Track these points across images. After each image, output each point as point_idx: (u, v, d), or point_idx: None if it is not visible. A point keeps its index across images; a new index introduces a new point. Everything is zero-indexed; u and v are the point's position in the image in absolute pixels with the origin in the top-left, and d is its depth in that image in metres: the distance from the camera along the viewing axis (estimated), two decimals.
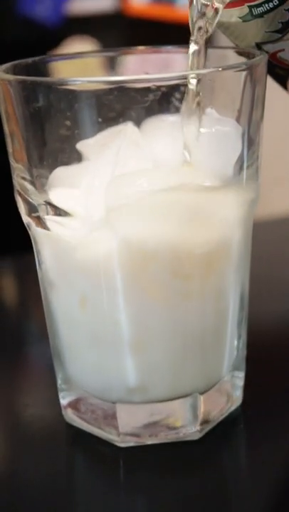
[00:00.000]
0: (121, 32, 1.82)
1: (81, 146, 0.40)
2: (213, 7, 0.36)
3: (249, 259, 0.44)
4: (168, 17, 1.74)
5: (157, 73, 0.46)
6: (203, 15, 0.36)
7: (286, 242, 0.72)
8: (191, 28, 0.37)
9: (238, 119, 0.39)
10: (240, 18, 0.37)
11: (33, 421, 0.45)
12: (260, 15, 0.36)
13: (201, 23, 0.37)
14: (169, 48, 0.46)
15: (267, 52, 0.39)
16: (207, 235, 0.39)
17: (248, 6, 0.36)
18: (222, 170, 0.39)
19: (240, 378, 0.45)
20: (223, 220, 0.39)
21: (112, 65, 0.45)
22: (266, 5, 0.35)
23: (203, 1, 0.36)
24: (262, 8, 0.36)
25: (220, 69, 0.37)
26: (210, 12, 0.36)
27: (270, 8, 0.36)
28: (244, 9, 0.36)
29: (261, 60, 0.38)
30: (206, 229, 0.38)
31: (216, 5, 0.36)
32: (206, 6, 0.36)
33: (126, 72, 0.47)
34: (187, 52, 0.43)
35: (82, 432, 0.43)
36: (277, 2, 0.35)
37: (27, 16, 1.50)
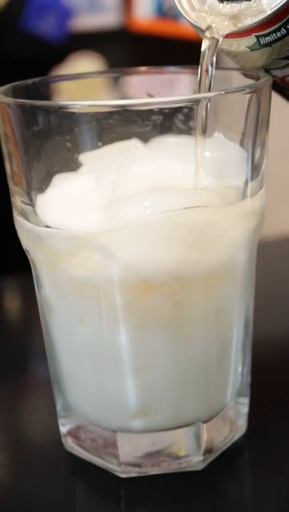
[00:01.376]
0: (125, 48, 1.82)
1: (84, 158, 0.39)
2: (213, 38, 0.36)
3: (253, 284, 0.43)
4: (172, 33, 1.74)
5: (160, 94, 0.45)
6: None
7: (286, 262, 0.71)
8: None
9: (242, 142, 0.39)
10: (247, 47, 0.36)
11: (33, 449, 0.44)
12: (268, 44, 0.35)
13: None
14: (171, 68, 0.45)
15: (275, 76, 0.39)
16: (210, 260, 0.38)
17: (256, 36, 0.35)
18: (226, 194, 0.38)
19: (244, 405, 0.44)
20: (226, 245, 0.38)
21: (113, 86, 0.45)
22: (274, 35, 0.35)
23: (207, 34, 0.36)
24: (270, 37, 0.35)
25: (224, 92, 0.36)
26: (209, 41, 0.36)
27: (278, 38, 0.35)
28: (251, 39, 0.36)
29: (266, 82, 0.38)
30: (209, 254, 0.37)
31: (216, 36, 0.36)
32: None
33: (128, 92, 0.46)
34: (190, 73, 0.43)
35: (82, 461, 0.42)
36: (285, 31, 0.35)
37: (32, 33, 1.50)
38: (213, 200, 0.37)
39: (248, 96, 0.37)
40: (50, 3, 1.54)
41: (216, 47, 0.36)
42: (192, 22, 0.37)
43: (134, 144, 0.40)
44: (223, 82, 0.42)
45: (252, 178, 0.39)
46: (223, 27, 0.36)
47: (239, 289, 0.40)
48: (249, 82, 0.39)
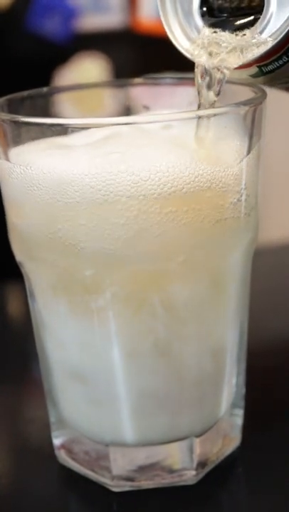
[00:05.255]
0: (130, 48, 1.82)
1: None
2: (219, 72, 0.36)
3: (248, 296, 0.43)
4: None
5: (157, 104, 0.45)
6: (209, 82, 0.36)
7: (283, 270, 0.71)
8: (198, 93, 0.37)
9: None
10: (250, 76, 0.36)
11: (27, 461, 0.44)
12: (271, 71, 0.35)
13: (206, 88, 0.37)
14: (170, 80, 0.45)
15: (279, 87, 0.38)
16: (202, 276, 0.38)
17: (258, 66, 0.35)
18: (220, 206, 0.38)
19: (239, 416, 0.44)
20: (219, 261, 0.38)
21: (108, 97, 0.45)
22: (276, 63, 0.35)
23: (207, 68, 0.36)
24: (272, 66, 0.35)
25: (219, 109, 0.36)
26: (216, 76, 0.36)
27: (280, 65, 0.35)
28: (253, 69, 0.36)
29: (261, 98, 0.37)
30: (201, 270, 0.37)
31: (223, 71, 0.36)
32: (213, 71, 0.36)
33: (126, 101, 0.46)
34: (189, 85, 0.43)
35: (75, 474, 0.42)
36: (287, 59, 0.34)
37: (36, 33, 1.50)
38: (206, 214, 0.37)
39: (243, 112, 0.37)
40: (54, 3, 1.54)
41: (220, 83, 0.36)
42: (188, 56, 0.37)
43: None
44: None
45: (246, 193, 0.39)
46: (225, 64, 0.36)
47: (233, 303, 0.40)
48: (244, 94, 0.39)
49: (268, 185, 0.40)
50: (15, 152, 0.37)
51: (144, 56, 1.81)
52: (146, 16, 1.86)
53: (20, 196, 0.37)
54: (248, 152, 0.38)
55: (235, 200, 0.38)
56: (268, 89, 0.39)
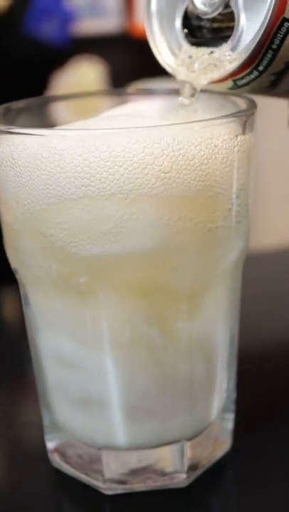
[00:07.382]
0: (126, 52, 1.82)
1: None
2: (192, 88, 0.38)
3: (238, 302, 0.43)
4: None
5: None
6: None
7: (276, 276, 0.72)
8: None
9: None
10: (227, 88, 0.38)
11: (20, 464, 0.45)
12: (246, 84, 0.37)
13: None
14: (162, 89, 0.46)
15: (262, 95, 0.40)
16: (194, 282, 0.38)
17: (232, 80, 0.37)
18: (211, 214, 0.38)
19: (229, 421, 0.44)
20: (210, 268, 0.39)
21: (104, 106, 0.45)
22: (248, 77, 0.36)
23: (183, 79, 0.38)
24: (245, 79, 0.37)
25: (211, 121, 0.37)
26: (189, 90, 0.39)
27: (253, 78, 0.37)
28: (229, 83, 0.37)
29: (250, 110, 0.38)
30: (192, 277, 0.38)
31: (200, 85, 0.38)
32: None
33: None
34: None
35: (69, 478, 0.42)
36: (258, 73, 0.36)
37: (33, 36, 1.50)
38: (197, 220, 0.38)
39: (233, 123, 0.37)
40: (51, 7, 1.54)
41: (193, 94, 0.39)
42: (170, 70, 0.39)
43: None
44: (207, 101, 0.42)
45: (237, 202, 0.39)
46: (200, 80, 0.38)
47: (224, 310, 0.41)
48: (236, 105, 0.40)
49: (261, 190, 0.41)
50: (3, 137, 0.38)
51: (140, 60, 1.81)
52: (142, 20, 1.86)
53: (5, 183, 0.38)
54: (242, 132, 0.38)
55: (227, 208, 0.39)
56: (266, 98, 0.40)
